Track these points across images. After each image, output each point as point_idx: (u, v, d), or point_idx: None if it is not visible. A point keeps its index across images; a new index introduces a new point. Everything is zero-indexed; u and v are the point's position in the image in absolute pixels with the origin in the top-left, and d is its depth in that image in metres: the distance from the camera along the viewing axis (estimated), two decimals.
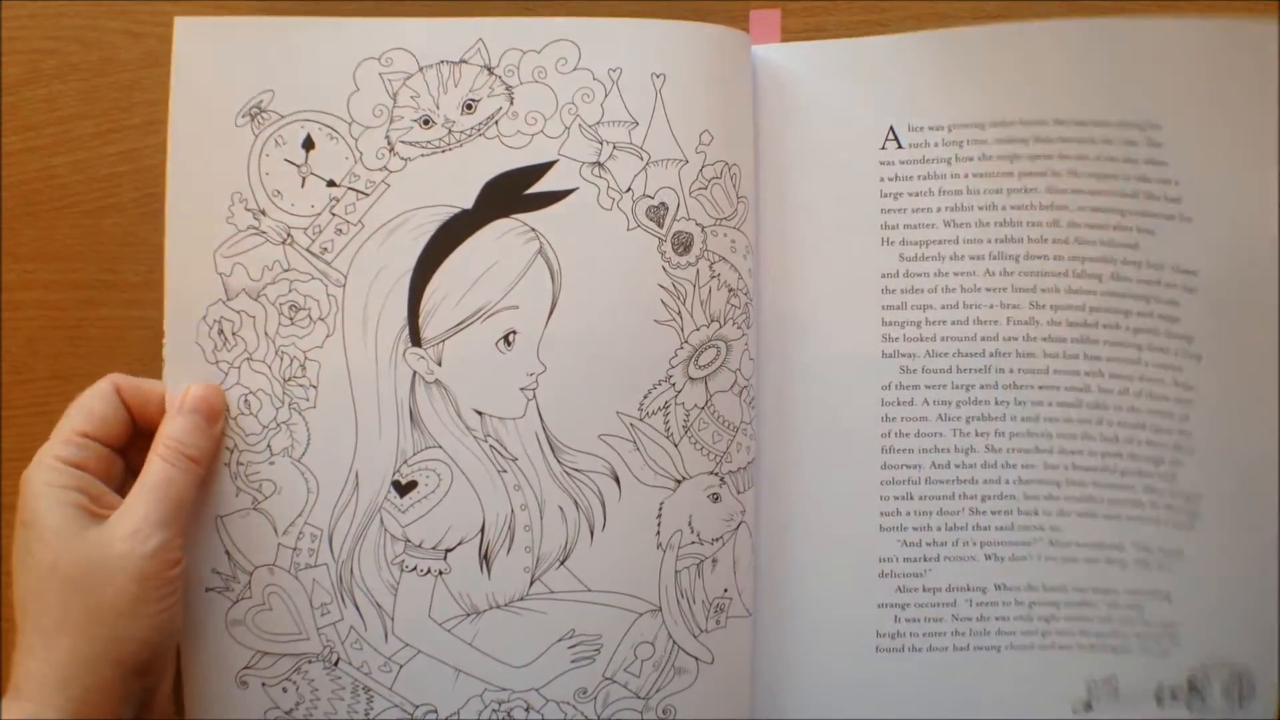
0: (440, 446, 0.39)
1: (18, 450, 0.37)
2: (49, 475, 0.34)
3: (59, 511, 0.34)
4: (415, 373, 0.38)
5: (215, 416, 0.37)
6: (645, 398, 0.39)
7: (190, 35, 0.38)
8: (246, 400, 0.38)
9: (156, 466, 0.35)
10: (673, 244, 0.39)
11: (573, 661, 0.39)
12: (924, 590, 0.42)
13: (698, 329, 0.39)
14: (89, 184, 0.42)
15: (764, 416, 0.42)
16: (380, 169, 0.38)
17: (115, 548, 0.33)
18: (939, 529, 0.42)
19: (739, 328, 0.40)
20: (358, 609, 0.39)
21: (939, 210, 0.42)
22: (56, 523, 0.34)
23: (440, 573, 0.39)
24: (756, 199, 0.41)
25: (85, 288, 0.42)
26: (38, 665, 0.33)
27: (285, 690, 0.38)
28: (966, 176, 0.41)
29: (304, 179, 0.38)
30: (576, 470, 0.39)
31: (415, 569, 0.39)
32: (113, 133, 0.42)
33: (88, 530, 0.34)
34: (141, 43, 0.41)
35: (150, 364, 0.38)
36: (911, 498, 0.42)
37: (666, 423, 0.39)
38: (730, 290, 0.40)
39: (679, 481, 0.39)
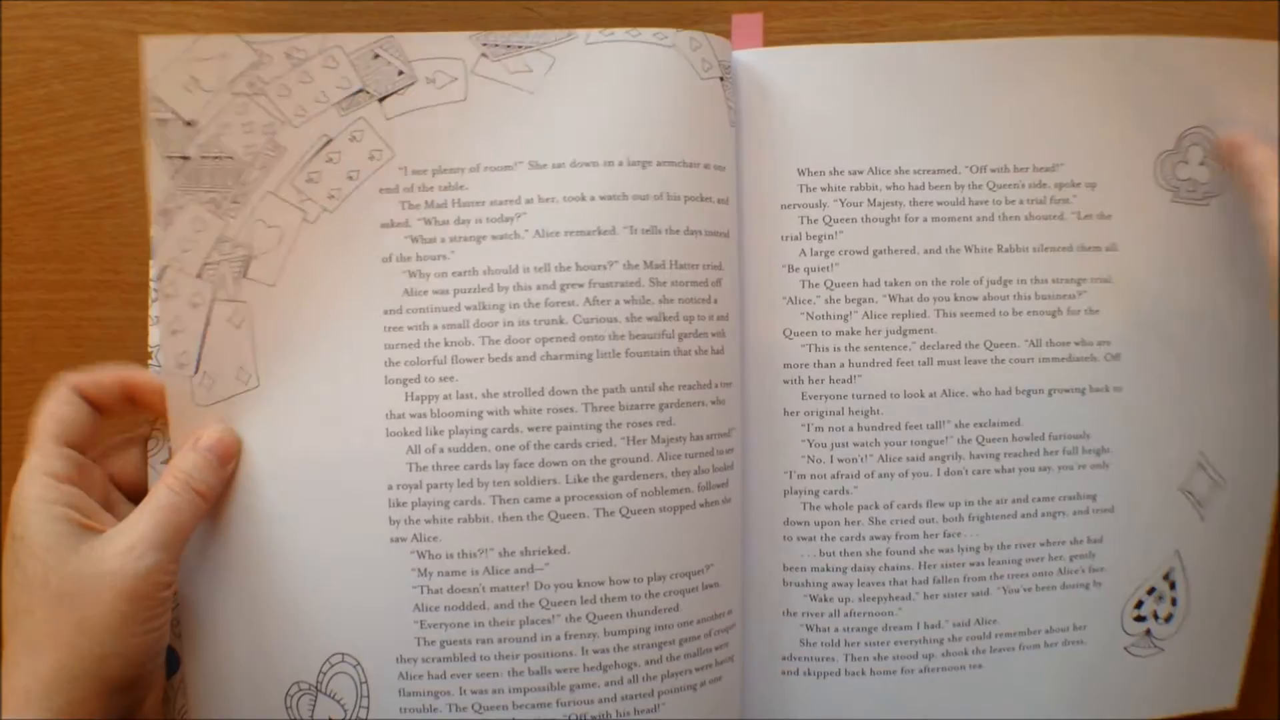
0: None
1: (17, 450, 0.36)
2: (40, 490, 0.34)
3: (52, 527, 0.34)
4: None
5: (228, 458, 0.38)
6: None
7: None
8: None
9: (161, 493, 0.36)
10: None
11: None
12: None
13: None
14: (89, 184, 0.42)
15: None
16: None
17: (108, 564, 0.33)
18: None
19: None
20: None
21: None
22: (49, 537, 0.34)
23: None
24: (739, 209, 0.41)
25: (85, 288, 0.42)
26: (22, 680, 0.32)
27: None
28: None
29: None
30: None
31: None
32: (113, 133, 0.42)
33: (80, 545, 0.34)
34: None
35: None
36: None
37: None
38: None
39: None
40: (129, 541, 0.34)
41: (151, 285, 0.38)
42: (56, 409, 0.36)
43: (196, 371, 0.38)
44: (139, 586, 0.33)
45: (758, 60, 0.41)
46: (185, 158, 0.37)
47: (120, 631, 0.33)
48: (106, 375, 0.37)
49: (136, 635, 0.34)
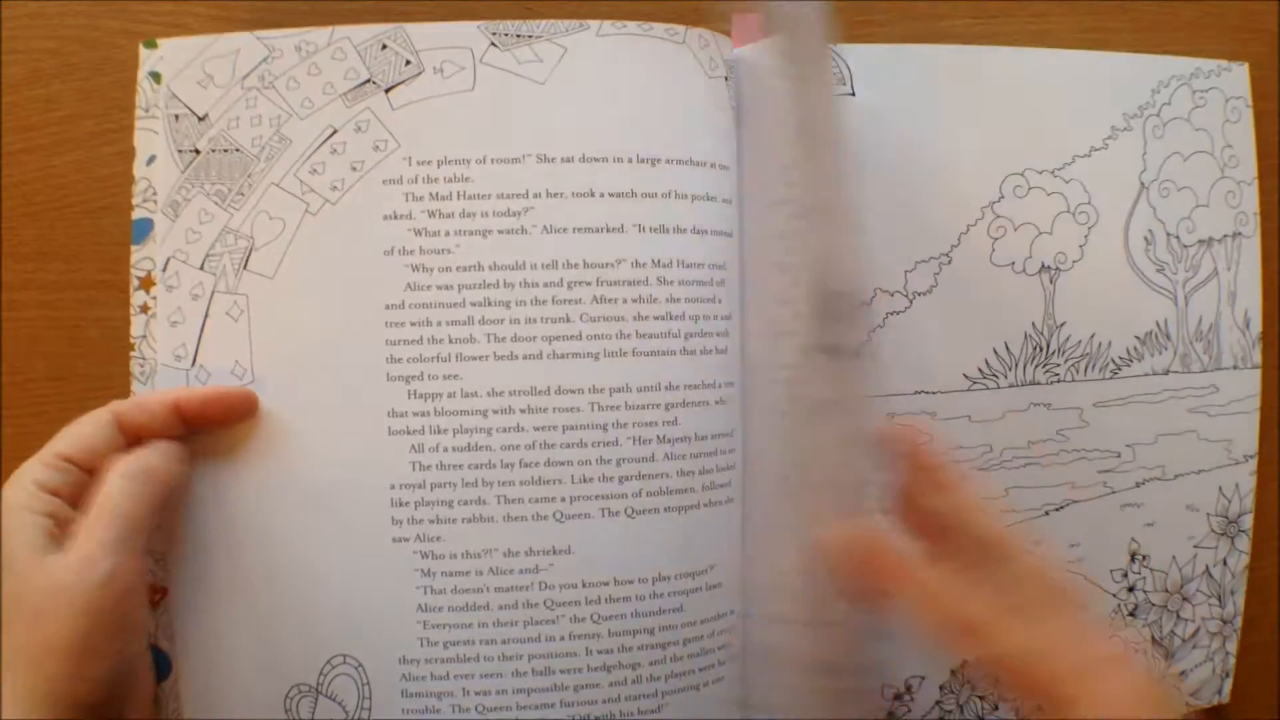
0: None
1: (17, 450, 0.36)
2: (22, 497, 0.33)
3: (25, 536, 0.32)
4: None
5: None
6: None
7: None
8: None
9: (114, 484, 0.33)
10: None
11: None
12: None
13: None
14: (89, 184, 0.42)
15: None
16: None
17: (64, 578, 0.31)
18: None
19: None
20: None
21: None
22: (24, 549, 0.32)
23: None
24: (741, 206, 0.41)
25: (85, 288, 0.42)
26: (7, 691, 0.31)
27: None
28: None
29: None
30: None
31: None
32: (113, 133, 0.42)
33: (47, 559, 0.32)
34: None
35: None
36: None
37: None
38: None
39: None
40: (84, 550, 0.32)
41: (133, 277, 0.38)
42: (79, 425, 0.35)
43: (193, 365, 0.38)
44: (99, 599, 0.31)
45: (758, 58, 0.41)
46: (196, 151, 0.38)
47: (84, 653, 0.31)
48: (153, 400, 0.36)
49: (104, 656, 0.32)
